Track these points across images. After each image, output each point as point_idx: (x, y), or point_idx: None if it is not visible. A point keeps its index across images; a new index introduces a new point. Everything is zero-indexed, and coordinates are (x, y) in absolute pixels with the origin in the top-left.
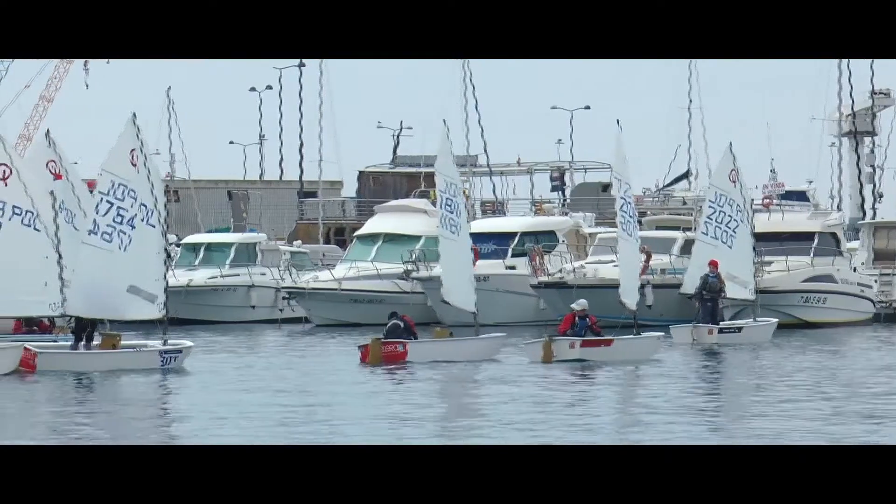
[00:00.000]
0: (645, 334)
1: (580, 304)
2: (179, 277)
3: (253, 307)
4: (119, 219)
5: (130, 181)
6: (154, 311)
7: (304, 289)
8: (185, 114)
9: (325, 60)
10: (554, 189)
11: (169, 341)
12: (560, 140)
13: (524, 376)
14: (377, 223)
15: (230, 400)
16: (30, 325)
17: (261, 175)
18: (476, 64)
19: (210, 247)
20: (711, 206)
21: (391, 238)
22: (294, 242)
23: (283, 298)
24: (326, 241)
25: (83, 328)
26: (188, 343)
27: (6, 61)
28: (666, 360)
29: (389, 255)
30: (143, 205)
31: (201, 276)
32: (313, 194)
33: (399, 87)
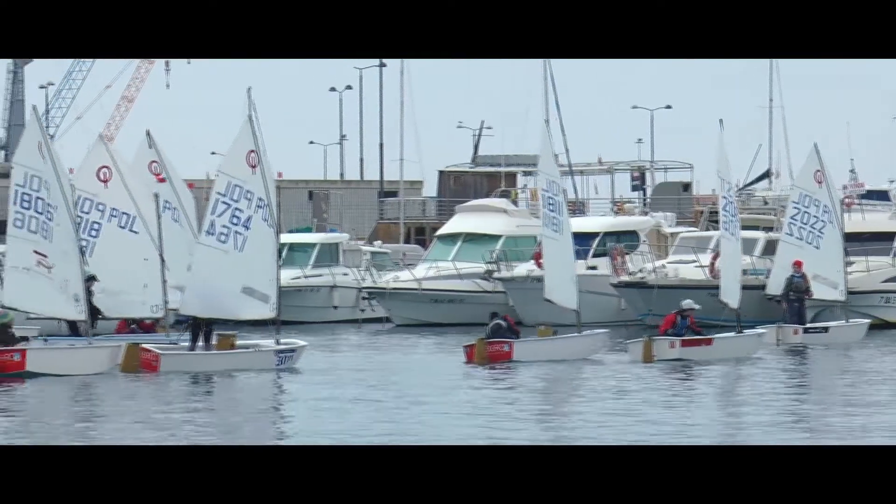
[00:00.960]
0: (746, 332)
1: (687, 303)
2: None
3: (335, 307)
4: (235, 220)
5: (247, 182)
6: (267, 312)
7: (384, 289)
8: (266, 114)
9: (405, 60)
10: (634, 189)
11: (282, 341)
12: (640, 139)
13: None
14: (458, 223)
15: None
16: (131, 326)
17: (341, 175)
18: (557, 63)
19: (293, 247)
20: (795, 207)
21: (472, 238)
22: (375, 242)
23: (364, 298)
24: (407, 241)
25: (199, 328)
26: (301, 342)
27: (88, 62)
28: (767, 360)
29: (470, 254)
30: (259, 206)
31: (284, 276)
32: (393, 194)
33: (479, 86)
